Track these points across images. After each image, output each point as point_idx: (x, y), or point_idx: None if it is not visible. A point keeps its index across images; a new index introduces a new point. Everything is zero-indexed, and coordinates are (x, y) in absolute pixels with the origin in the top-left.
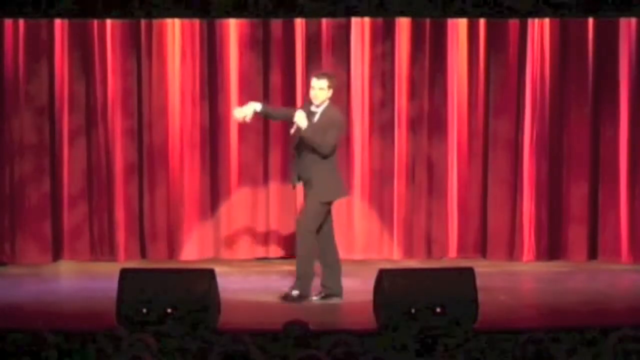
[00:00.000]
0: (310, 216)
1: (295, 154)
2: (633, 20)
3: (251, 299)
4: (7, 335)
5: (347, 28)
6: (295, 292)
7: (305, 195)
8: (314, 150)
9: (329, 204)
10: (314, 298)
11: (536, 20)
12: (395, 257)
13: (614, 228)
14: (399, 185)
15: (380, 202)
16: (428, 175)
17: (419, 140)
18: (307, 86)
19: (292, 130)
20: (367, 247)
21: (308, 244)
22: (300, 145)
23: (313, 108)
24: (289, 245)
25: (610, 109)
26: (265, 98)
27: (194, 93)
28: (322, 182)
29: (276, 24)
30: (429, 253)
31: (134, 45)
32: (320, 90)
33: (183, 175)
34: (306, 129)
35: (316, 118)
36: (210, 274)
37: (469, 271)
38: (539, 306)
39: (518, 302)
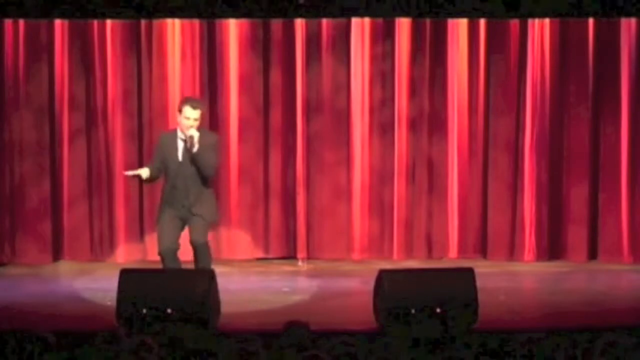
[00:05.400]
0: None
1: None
2: (633, 20)
3: (251, 299)
4: (8, 335)
5: (347, 28)
6: None
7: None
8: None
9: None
10: None
11: (536, 20)
12: (395, 257)
13: (614, 228)
14: (399, 185)
15: (380, 202)
16: (428, 175)
17: (419, 140)
18: (307, 86)
19: (195, 149)
20: (367, 247)
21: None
22: (185, 170)
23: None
24: (289, 245)
25: (610, 109)
26: (265, 98)
27: (194, 93)
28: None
29: (276, 24)
30: (429, 253)
31: (134, 45)
32: (196, 120)
33: None
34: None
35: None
36: (210, 274)
37: (469, 271)
38: (539, 306)
39: (518, 302)
